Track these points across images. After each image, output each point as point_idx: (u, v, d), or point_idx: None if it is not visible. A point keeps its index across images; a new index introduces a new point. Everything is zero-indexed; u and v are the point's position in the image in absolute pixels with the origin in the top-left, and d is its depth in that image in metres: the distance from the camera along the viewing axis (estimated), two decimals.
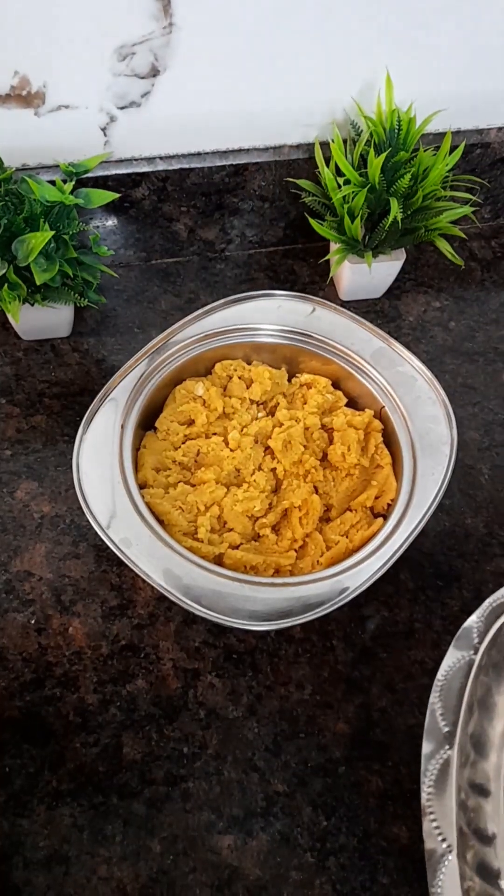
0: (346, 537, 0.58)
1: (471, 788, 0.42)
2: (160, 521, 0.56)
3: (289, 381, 0.67)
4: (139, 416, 0.60)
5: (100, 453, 0.57)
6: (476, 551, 0.61)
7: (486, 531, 0.62)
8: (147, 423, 0.62)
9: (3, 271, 0.58)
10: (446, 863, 0.38)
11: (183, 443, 0.62)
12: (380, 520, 0.59)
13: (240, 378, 0.65)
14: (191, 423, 0.63)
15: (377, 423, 0.63)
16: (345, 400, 0.65)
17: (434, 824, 0.39)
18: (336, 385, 0.66)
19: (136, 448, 0.60)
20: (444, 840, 0.38)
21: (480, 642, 0.44)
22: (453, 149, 0.68)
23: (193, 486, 0.60)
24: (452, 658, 0.43)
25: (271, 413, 0.65)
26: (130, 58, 0.61)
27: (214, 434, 0.62)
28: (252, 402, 0.64)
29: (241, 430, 0.62)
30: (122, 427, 0.59)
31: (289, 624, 0.52)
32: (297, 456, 0.60)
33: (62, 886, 0.46)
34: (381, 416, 0.64)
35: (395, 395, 0.62)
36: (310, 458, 0.60)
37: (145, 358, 0.62)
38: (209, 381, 0.64)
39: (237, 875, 0.47)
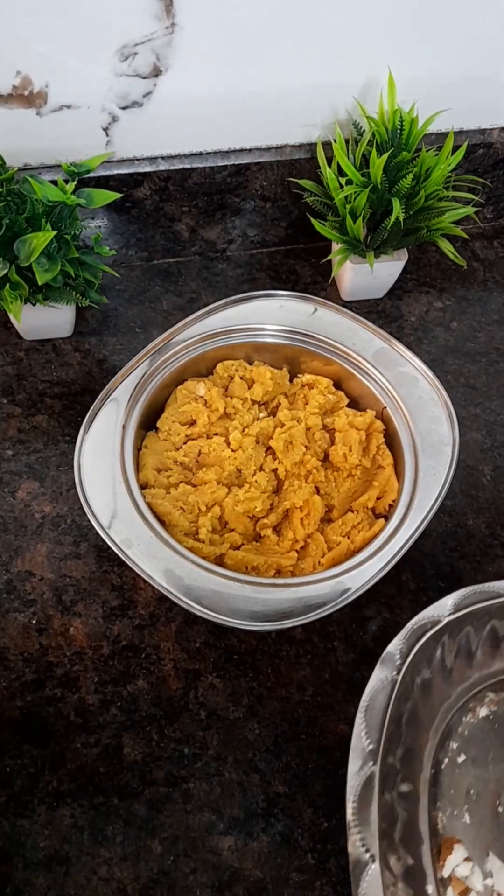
0: (348, 538, 0.58)
1: (400, 798, 0.44)
2: (161, 522, 0.56)
3: (290, 381, 0.67)
4: (140, 417, 0.60)
5: (101, 453, 0.57)
6: (478, 552, 0.61)
7: (489, 532, 0.62)
8: (148, 423, 0.62)
9: (5, 271, 0.58)
10: (369, 871, 0.40)
11: (184, 443, 0.62)
12: (381, 521, 0.59)
13: (241, 378, 0.65)
14: (192, 423, 0.63)
15: (379, 424, 0.63)
16: (346, 400, 0.65)
17: (359, 836, 0.40)
18: (338, 385, 0.66)
19: (138, 448, 0.60)
20: (367, 850, 0.40)
21: (402, 663, 0.45)
22: (456, 149, 0.68)
23: (195, 486, 0.59)
24: (376, 679, 0.45)
25: (273, 413, 0.65)
26: (132, 58, 0.61)
27: (216, 434, 0.62)
28: (253, 402, 0.64)
29: (243, 431, 0.62)
30: (124, 427, 0.59)
31: (290, 625, 0.51)
32: (299, 456, 0.60)
33: (62, 887, 0.46)
34: (382, 416, 0.63)
35: (397, 395, 0.62)
36: (311, 458, 0.60)
37: (147, 358, 0.62)
38: (210, 382, 0.64)
39: (237, 876, 0.47)
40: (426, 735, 0.47)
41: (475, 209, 0.70)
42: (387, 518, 0.58)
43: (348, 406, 0.65)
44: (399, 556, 0.55)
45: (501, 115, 0.75)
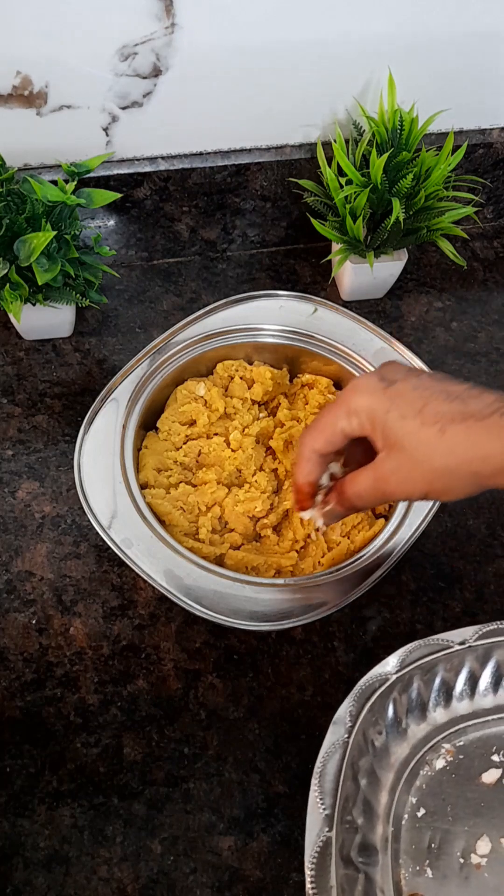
0: (348, 538, 0.58)
1: (361, 858, 0.44)
2: (161, 522, 0.56)
3: (290, 381, 0.67)
4: (140, 417, 0.60)
5: (101, 453, 0.57)
6: (478, 552, 0.61)
7: (488, 532, 0.62)
8: (148, 423, 0.62)
9: (5, 271, 0.58)
10: None
11: (184, 443, 0.62)
12: (381, 521, 0.59)
13: (241, 378, 0.65)
14: (192, 423, 0.63)
15: None
16: None
17: None
18: (338, 385, 0.66)
19: (138, 448, 0.60)
20: None
21: (353, 725, 0.46)
22: (456, 149, 0.68)
23: (195, 486, 0.59)
24: (328, 743, 0.45)
25: (273, 413, 0.65)
26: (132, 58, 0.61)
27: (216, 434, 0.62)
28: (253, 402, 0.64)
29: (243, 431, 0.62)
30: (124, 427, 0.59)
31: (290, 625, 0.52)
32: None
33: (62, 887, 0.46)
34: None
35: None
36: None
37: (147, 358, 0.62)
38: (210, 382, 0.64)
39: (238, 876, 0.47)
40: (384, 792, 0.47)
41: (475, 209, 0.70)
42: (387, 518, 0.58)
43: None
44: (399, 555, 0.55)
45: (501, 115, 0.75)
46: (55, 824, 0.48)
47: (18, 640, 0.54)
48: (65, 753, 0.50)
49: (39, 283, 0.58)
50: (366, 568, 0.54)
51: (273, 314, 0.65)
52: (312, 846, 0.42)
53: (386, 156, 0.63)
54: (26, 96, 0.62)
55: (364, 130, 0.68)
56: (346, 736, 0.45)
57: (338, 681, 0.54)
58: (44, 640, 0.54)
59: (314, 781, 0.44)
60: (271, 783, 0.50)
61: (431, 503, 0.58)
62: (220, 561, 0.56)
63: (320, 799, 0.43)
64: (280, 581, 0.54)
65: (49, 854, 0.47)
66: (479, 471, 0.38)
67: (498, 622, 0.51)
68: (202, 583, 0.52)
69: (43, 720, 0.51)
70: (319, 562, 0.57)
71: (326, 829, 0.42)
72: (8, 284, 0.59)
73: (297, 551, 0.58)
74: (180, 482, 0.59)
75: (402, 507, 0.58)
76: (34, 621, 0.55)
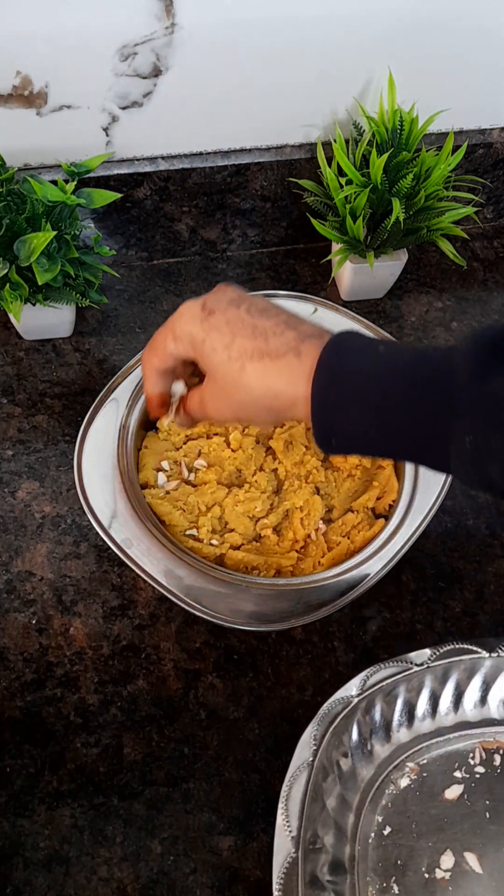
0: (348, 538, 0.58)
1: (329, 874, 0.45)
2: (161, 522, 0.56)
3: None
4: (140, 417, 0.60)
5: (101, 453, 0.57)
6: (478, 552, 0.61)
7: (488, 532, 0.62)
8: (148, 423, 0.62)
9: (5, 271, 0.58)
10: None
11: (184, 443, 0.62)
12: (381, 521, 0.59)
13: None
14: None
15: None
16: None
17: None
18: None
19: (138, 448, 0.60)
20: None
21: (318, 748, 0.47)
22: (456, 149, 0.68)
23: (195, 486, 0.59)
24: (294, 766, 0.46)
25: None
26: (132, 58, 0.61)
27: (216, 434, 0.62)
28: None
29: (243, 431, 0.62)
30: (124, 427, 0.59)
31: (290, 625, 0.52)
32: (299, 457, 0.60)
33: (62, 887, 0.46)
34: None
35: None
36: (311, 458, 0.60)
37: None
38: None
39: (238, 876, 0.47)
40: (350, 812, 0.48)
41: (475, 209, 0.70)
42: (387, 518, 0.58)
43: None
44: (399, 556, 0.55)
45: (501, 116, 0.75)
46: (55, 824, 0.48)
47: (18, 640, 0.54)
48: (65, 753, 0.50)
49: (39, 283, 0.58)
50: (366, 568, 0.54)
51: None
52: (279, 868, 0.43)
53: (386, 156, 0.63)
54: (26, 96, 0.62)
55: (364, 130, 0.68)
56: (311, 759, 0.46)
57: (338, 681, 0.54)
58: (44, 640, 0.54)
59: (280, 804, 0.45)
60: (271, 783, 0.50)
61: (431, 503, 0.58)
62: (220, 561, 0.56)
63: (286, 822, 0.44)
64: (280, 581, 0.54)
65: (49, 854, 0.47)
66: (273, 405, 0.41)
67: (455, 642, 0.52)
68: (202, 583, 0.52)
69: (43, 720, 0.51)
70: (319, 562, 0.57)
71: (293, 850, 0.43)
72: (8, 284, 0.59)
73: (297, 551, 0.58)
74: (180, 482, 0.59)
75: (402, 506, 0.58)
76: (34, 621, 0.55)
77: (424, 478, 0.59)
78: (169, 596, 0.51)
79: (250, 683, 0.54)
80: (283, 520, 0.60)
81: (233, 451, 0.61)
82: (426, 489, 0.58)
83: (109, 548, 0.53)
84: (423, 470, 0.59)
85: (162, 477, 0.60)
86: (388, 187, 0.65)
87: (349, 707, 0.48)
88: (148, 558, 0.53)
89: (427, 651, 0.51)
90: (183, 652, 0.54)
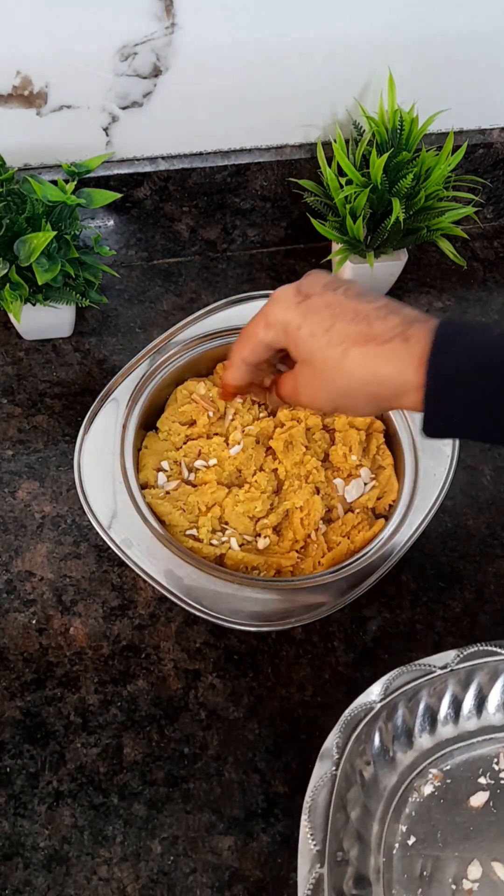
0: (348, 538, 0.58)
1: (354, 887, 0.44)
2: (161, 522, 0.56)
3: None
4: (140, 417, 0.60)
5: (101, 453, 0.57)
6: (478, 552, 0.61)
7: (489, 532, 0.62)
8: (148, 423, 0.62)
9: (5, 271, 0.58)
10: None
11: (184, 443, 0.62)
12: (381, 521, 0.59)
13: None
14: (192, 423, 0.63)
15: (379, 424, 0.63)
16: None
17: None
18: None
19: (138, 448, 0.60)
20: None
21: (340, 757, 0.45)
22: (456, 149, 0.68)
23: (195, 486, 0.59)
24: (317, 776, 0.45)
25: (272, 414, 0.65)
26: (132, 58, 0.61)
27: (216, 434, 0.62)
28: (253, 402, 0.64)
29: (243, 431, 0.62)
30: (124, 427, 0.59)
31: (290, 626, 0.52)
32: (299, 457, 0.60)
33: (62, 887, 0.46)
34: (382, 416, 0.63)
35: None
36: (311, 458, 0.60)
37: (147, 358, 0.62)
38: (210, 382, 0.64)
39: (238, 876, 0.47)
40: (374, 822, 0.47)
41: (475, 209, 0.70)
42: (387, 518, 0.58)
43: None
44: (399, 556, 0.55)
45: (501, 115, 0.75)
46: (55, 824, 0.48)
47: (18, 640, 0.54)
48: (65, 753, 0.50)
49: (39, 283, 0.58)
50: (366, 568, 0.54)
51: None
52: (305, 884, 0.42)
53: (386, 156, 0.63)
54: (26, 96, 0.62)
55: (364, 130, 0.68)
56: (335, 769, 0.45)
57: (338, 681, 0.54)
58: (44, 640, 0.54)
59: (304, 818, 0.44)
60: (271, 783, 0.50)
61: (431, 503, 0.58)
62: (220, 561, 0.56)
63: (311, 835, 0.43)
64: (280, 581, 0.54)
65: (49, 854, 0.47)
66: (378, 393, 0.39)
67: (479, 644, 0.51)
68: (202, 583, 0.52)
69: (43, 720, 0.51)
70: (319, 562, 0.57)
71: (318, 865, 0.42)
72: (8, 284, 0.59)
73: (297, 551, 0.58)
74: (180, 482, 0.59)
75: (402, 506, 0.58)
76: (34, 621, 0.55)
77: (425, 478, 0.59)
78: (169, 596, 0.51)
79: (250, 683, 0.54)
80: (283, 520, 0.60)
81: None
82: (426, 489, 0.58)
83: (109, 548, 0.53)
84: (423, 470, 0.59)
85: (162, 477, 0.60)
86: (388, 187, 0.65)
87: (371, 713, 0.47)
88: (148, 558, 0.53)
89: (451, 653, 0.50)
90: (183, 652, 0.54)
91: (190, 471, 0.61)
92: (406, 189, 0.64)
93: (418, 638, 0.57)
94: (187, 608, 0.51)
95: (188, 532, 0.57)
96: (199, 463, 0.61)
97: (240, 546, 0.57)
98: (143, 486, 0.58)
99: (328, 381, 0.40)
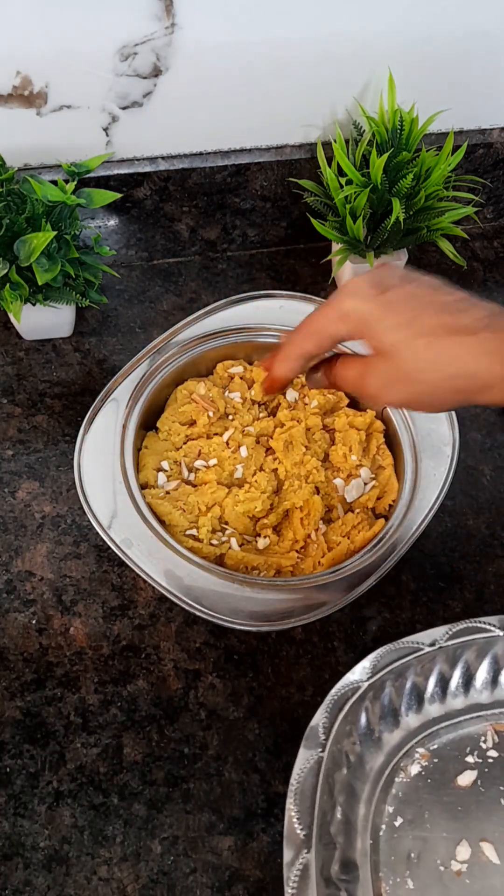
0: (348, 538, 0.58)
1: (340, 872, 0.43)
2: (161, 522, 0.56)
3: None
4: (140, 417, 0.60)
5: (101, 453, 0.57)
6: (478, 552, 0.61)
7: (489, 532, 0.62)
8: (148, 423, 0.62)
9: (5, 271, 0.58)
10: None
11: (184, 443, 0.62)
12: (381, 521, 0.59)
13: (241, 378, 0.65)
14: (192, 423, 0.63)
15: (379, 424, 0.63)
16: (346, 400, 0.65)
17: None
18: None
19: (138, 448, 0.60)
20: None
21: (327, 739, 0.45)
22: (456, 149, 0.68)
23: (195, 486, 0.59)
24: (303, 759, 0.44)
25: (272, 413, 0.65)
26: (132, 58, 0.61)
27: (216, 434, 0.62)
28: (253, 402, 0.64)
29: (243, 431, 0.62)
30: (124, 427, 0.59)
31: (290, 625, 0.52)
32: (299, 457, 0.60)
33: (62, 887, 0.46)
34: (382, 416, 0.63)
35: None
36: (311, 458, 0.60)
37: (147, 358, 0.62)
38: (210, 382, 0.64)
39: (238, 876, 0.47)
40: (361, 804, 0.46)
41: (475, 209, 0.70)
42: (387, 518, 0.58)
43: (348, 406, 0.65)
44: (399, 555, 0.55)
45: (501, 116, 0.74)
46: (55, 824, 0.48)
47: (18, 640, 0.54)
48: (65, 753, 0.50)
49: (39, 283, 0.58)
50: (366, 568, 0.54)
51: (273, 314, 0.65)
52: (291, 871, 0.41)
53: (386, 156, 0.63)
54: (26, 96, 0.62)
55: (364, 130, 0.68)
56: (321, 751, 0.44)
57: (338, 681, 0.54)
58: (44, 640, 0.54)
59: (290, 801, 0.43)
60: (271, 783, 0.50)
61: (431, 503, 0.58)
62: (220, 561, 0.56)
63: (298, 819, 0.42)
64: (280, 581, 0.54)
65: (49, 854, 0.47)
66: (463, 387, 0.38)
67: (468, 620, 0.50)
68: (202, 583, 0.52)
69: (43, 720, 0.51)
70: (319, 562, 0.57)
71: (305, 850, 0.41)
72: (8, 284, 0.59)
73: (297, 551, 0.58)
74: (180, 482, 0.59)
75: (402, 506, 0.58)
76: (34, 621, 0.55)
77: (425, 478, 0.59)
78: (169, 596, 0.51)
79: (250, 683, 0.54)
80: (283, 520, 0.60)
81: (232, 451, 0.61)
82: (426, 489, 0.58)
83: (109, 548, 0.53)
84: (423, 470, 0.59)
85: (162, 477, 0.60)
86: (388, 187, 0.65)
87: (359, 692, 0.46)
88: (148, 558, 0.53)
89: (438, 630, 0.49)
90: (183, 652, 0.54)
91: (190, 471, 0.61)
92: (406, 189, 0.64)
93: None
94: (187, 608, 0.51)
95: (188, 532, 0.57)
96: (198, 463, 0.61)
97: (240, 546, 0.57)
98: (143, 486, 0.58)
99: (409, 374, 0.38)
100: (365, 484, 0.61)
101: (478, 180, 0.74)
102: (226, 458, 0.60)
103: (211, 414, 0.62)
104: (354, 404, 0.66)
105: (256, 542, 0.58)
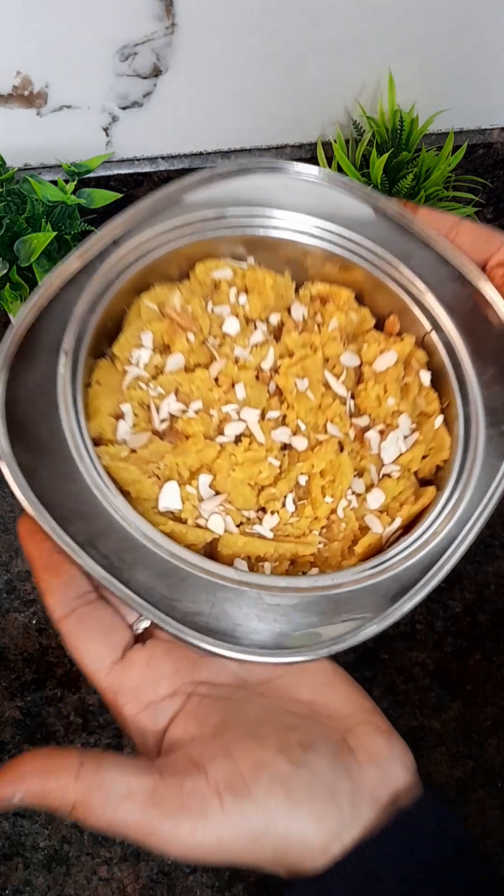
0: (387, 514, 0.39)
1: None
2: (125, 494, 0.35)
3: (296, 292, 0.43)
4: (90, 339, 0.37)
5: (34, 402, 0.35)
6: (478, 552, 0.61)
7: (489, 532, 0.62)
8: (99, 348, 0.39)
9: (5, 271, 0.58)
10: None
11: (154, 377, 0.39)
12: (431, 489, 0.39)
13: (230, 286, 0.42)
14: (165, 349, 0.40)
15: (421, 355, 0.42)
16: (373, 321, 0.43)
17: None
18: (360, 300, 0.43)
19: (86, 385, 0.37)
20: None
21: None
22: (456, 149, 0.68)
23: (171, 442, 0.38)
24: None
25: (276, 337, 0.42)
26: (133, 58, 0.61)
27: (198, 366, 0.40)
28: (249, 320, 0.42)
29: (237, 361, 0.40)
30: (65, 353, 0.36)
31: (319, 656, 0.35)
32: (317, 399, 0.40)
33: (63, 887, 0.46)
34: (424, 343, 0.42)
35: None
36: (334, 402, 0.40)
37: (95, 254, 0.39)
38: (188, 290, 0.41)
39: (238, 876, 0.47)
40: None
41: (475, 209, 0.70)
42: (438, 485, 0.39)
43: (375, 329, 0.43)
44: (471, 538, 0.38)
45: (502, 116, 0.75)
46: (55, 824, 0.48)
47: (18, 640, 0.54)
48: None
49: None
50: (417, 561, 0.36)
51: (275, 194, 0.42)
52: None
53: (386, 156, 0.63)
54: (26, 96, 0.62)
55: (364, 130, 0.68)
56: None
57: None
58: (44, 640, 0.54)
59: None
60: None
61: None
62: (210, 550, 0.37)
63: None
64: (302, 583, 0.34)
65: (49, 854, 0.47)
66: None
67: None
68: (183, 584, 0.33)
69: (43, 720, 0.51)
70: (351, 548, 0.38)
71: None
72: (8, 284, 0.59)
73: (318, 533, 0.38)
74: (150, 436, 0.39)
75: (456, 468, 0.38)
76: (34, 621, 0.55)
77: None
78: (154, 619, 0.32)
79: None
80: (298, 489, 0.38)
81: (224, 390, 0.39)
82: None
83: None
84: (480, 419, 0.39)
85: (123, 426, 0.37)
86: (388, 187, 0.65)
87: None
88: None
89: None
90: None
91: (163, 420, 0.38)
92: (406, 189, 0.64)
93: (418, 638, 0.56)
94: (172, 630, 0.32)
95: (164, 508, 0.36)
96: (176, 407, 0.38)
97: (238, 527, 0.37)
98: (96, 442, 0.36)
99: None
100: (405, 437, 0.42)
101: (478, 180, 0.74)
102: (215, 401, 0.38)
103: (192, 337, 0.40)
104: (384, 326, 0.44)
105: (262, 520, 0.38)
